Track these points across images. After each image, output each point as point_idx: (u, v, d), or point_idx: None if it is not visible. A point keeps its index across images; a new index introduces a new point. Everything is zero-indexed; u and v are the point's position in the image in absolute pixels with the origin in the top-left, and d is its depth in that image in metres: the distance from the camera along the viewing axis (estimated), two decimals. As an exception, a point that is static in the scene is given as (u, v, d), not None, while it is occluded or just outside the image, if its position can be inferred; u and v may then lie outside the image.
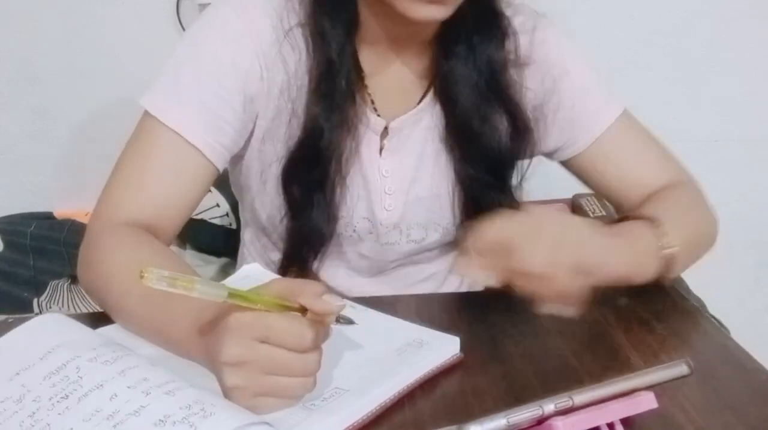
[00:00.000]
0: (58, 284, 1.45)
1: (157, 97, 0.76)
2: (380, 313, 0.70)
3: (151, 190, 0.75)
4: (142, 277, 0.48)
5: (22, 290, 1.42)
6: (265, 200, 0.84)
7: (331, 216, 0.81)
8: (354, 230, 0.86)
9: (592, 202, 1.41)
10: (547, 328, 0.71)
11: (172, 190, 0.76)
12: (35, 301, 1.43)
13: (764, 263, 1.72)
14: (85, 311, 1.35)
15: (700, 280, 0.96)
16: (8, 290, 1.41)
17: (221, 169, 0.80)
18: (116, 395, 0.51)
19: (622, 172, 0.87)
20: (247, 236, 0.98)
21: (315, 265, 0.86)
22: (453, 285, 0.98)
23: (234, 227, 1.32)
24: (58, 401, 0.52)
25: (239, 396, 0.53)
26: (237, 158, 0.84)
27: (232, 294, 0.51)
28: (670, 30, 1.57)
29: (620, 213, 0.90)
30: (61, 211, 1.55)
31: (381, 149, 0.84)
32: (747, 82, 1.61)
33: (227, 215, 1.34)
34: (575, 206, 1.44)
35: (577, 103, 0.86)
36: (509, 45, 0.83)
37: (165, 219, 0.76)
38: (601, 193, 0.92)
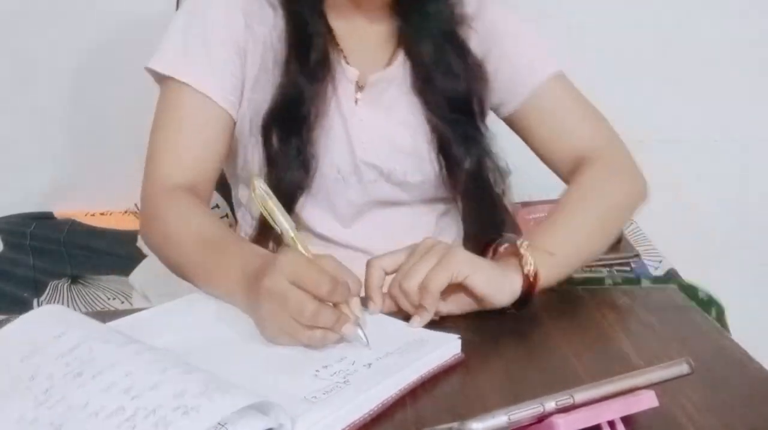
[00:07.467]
0: (58, 284, 1.45)
1: (169, 58, 0.86)
2: (382, 313, 0.71)
3: (187, 151, 0.85)
4: (253, 188, 0.65)
5: (22, 290, 1.42)
6: (255, 155, 0.89)
7: (308, 161, 0.87)
8: (338, 171, 0.90)
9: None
10: (548, 327, 0.71)
11: (201, 146, 0.86)
12: (35, 301, 1.42)
13: (764, 262, 1.73)
14: (84, 311, 1.35)
15: (700, 280, 0.96)
16: (8, 290, 1.41)
17: (236, 119, 0.89)
18: (131, 372, 0.51)
19: (555, 130, 0.94)
20: (240, 215, 1.03)
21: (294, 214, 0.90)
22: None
23: (234, 227, 1.32)
24: (72, 378, 0.52)
25: (265, 327, 0.63)
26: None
27: (294, 238, 0.65)
28: (669, 29, 1.58)
29: (559, 175, 0.96)
30: (61, 211, 1.55)
31: (356, 101, 0.91)
32: (747, 82, 1.61)
33: (227, 215, 1.34)
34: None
35: (514, 60, 0.94)
36: (458, 5, 0.94)
37: (202, 175, 0.86)
38: (537, 154, 0.97)
